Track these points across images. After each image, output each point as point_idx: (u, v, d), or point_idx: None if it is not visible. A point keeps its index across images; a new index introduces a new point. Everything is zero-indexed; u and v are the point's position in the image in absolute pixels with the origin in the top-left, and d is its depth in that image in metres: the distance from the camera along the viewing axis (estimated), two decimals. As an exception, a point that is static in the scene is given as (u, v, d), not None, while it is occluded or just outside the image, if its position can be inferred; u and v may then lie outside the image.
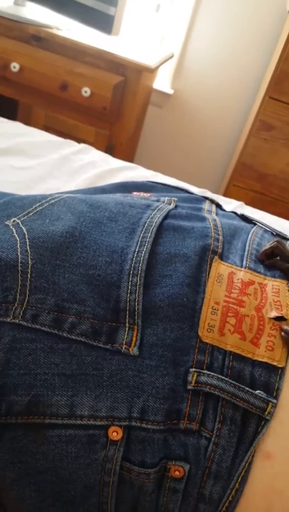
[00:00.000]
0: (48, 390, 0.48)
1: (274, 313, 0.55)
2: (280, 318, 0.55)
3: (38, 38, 1.73)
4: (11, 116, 1.77)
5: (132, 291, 0.53)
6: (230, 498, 0.48)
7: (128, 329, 0.52)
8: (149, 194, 0.73)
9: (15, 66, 1.74)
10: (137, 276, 0.54)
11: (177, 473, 0.48)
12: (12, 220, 0.59)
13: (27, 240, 0.55)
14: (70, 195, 0.66)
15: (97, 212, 0.61)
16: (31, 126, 1.44)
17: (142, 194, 0.68)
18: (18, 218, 0.59)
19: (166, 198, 0.70)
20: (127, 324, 0.52)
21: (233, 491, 0.48)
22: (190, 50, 2.09)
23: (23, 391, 0.48)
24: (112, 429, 0.48)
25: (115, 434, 0.48)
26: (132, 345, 0.51)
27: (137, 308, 0.53)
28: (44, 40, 1.73)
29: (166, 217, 0.64)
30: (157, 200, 0.69)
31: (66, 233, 0.56)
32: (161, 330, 0.52)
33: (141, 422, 0.48)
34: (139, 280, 0.54)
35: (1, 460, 0.49)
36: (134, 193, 0.69)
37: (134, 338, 0.51)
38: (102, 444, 0.48)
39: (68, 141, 1.36)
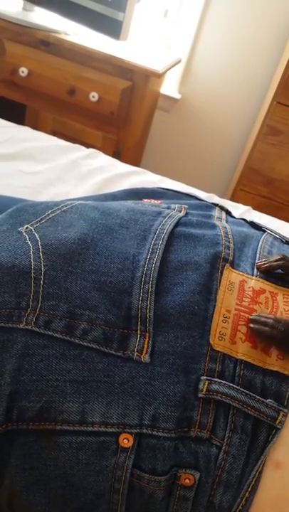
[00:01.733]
0: (60, 396, 0.49)
1: None
2: None
3: (46, 42, 1.74)
4: (19, 120, 1.78)
5: (144, 299, 0.54)
6: (240, 507, 0.48)
7: (140, 336, 0.52)
8: (159, 201, 0.73)
9: (23, 71, 1.75)
10: (149, 283, 0.54)
11: (187, 481, 0.48)
12: (25, 227, 0.59)
13: (40, 247, 0.56)
14: (82, 202, 0.66)
15: (109, 219, 0.61)
16: (39, 131, 1.44)
17: (152, 201, 0.68)
18: (31, 225, 0.60)
19: (177, 205, 0.70)
20: (138, 331, 0.52)
21: (243, 500, 0.48)
22: (197, 55, 2.09)
23: (34, 397, 0.48)
24: (122, 436, 0.48)
25: (126, 441, 0.48)
26: (144, 352, 0.51)
27: (149, 316, 0.53)
28: (52, 45, 1.74)
29: (177, 224, 0.64)
30: (168, 208, 0.69)
31: (78, 240, 0.57)
32: (172, 337, 0.52)
33: (152, 429, 0.48)
34: (151, 287, 0.54)
35: (12, 466, 0.49)
36: (145, 200, 0.70)
37: (145, 346, 0.51)
38: (112, 451, 0.48)
39: (76, 145, 1.37)
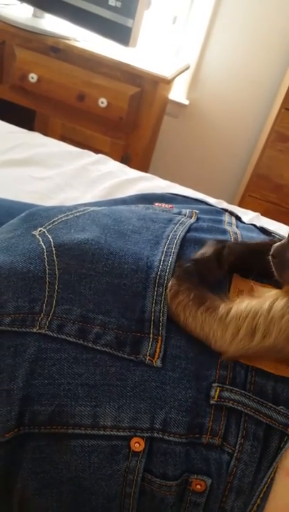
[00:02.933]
0: (72, 400, 0.49)
1: None
2: None
3: (56, 49, 1.76)
4: (29, 126, 1.80)
5: (158, 302, 0.54)
6: None
7: (152, 340, 0.52)
8: (170, 205, 0.73)
9: (33, 77, 1.76)
10: (163, 286, 0.54)
11: (199, 487, 0.48)
12: (38, 230, 0.59)
13: (53, 249, 0.56)
14: (95, 208, 0.67)
15: (121, 226, 0.61)
16: (48, 136, 1.45)
17: (163, 205, 0.68)
18: (44, 227, 0.60)
19: (188, 211, 0.70)
20: (151, 335, 0.52)
21: (255, 507, 0.48)
22: (206, 61, 2.10)
23: (46, 401, 0.49)
24: (134, 440, 0.48)
25: (137, 445, 0.48)
26: (156, 356, 0.51)
27: (162, 320, 0.53)
28: (62, 51, 1.76)
29: (188, 230, 0.64)
30: (179, 213, 0.69)
31: (92, 240, 0.57)
32: (184, 342, 0.52)
33: (163, 433, 0.48)
34: (165, 290, 0.54)
35: (24, 470, 0.49)
36: (156, 204, 0.70)
37: (157, 350, 0.51)
38: (124, 455, 0.48)
39: (86, 151, 1.38)
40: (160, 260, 0.56)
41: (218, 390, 0.50)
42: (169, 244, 0.59)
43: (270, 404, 0.50)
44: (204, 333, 0.52)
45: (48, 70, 1.76)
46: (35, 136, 1.39)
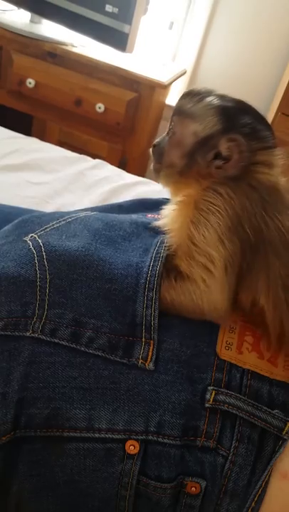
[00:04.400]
0: (67, 403, 0.49)
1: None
2: None
3: (53, 54, 1.77)
4: (26, 131, 1.80)
5: (148, 306, 0.54)
6: None
7: (144, 344, 0.52)
8: None
9: (30, 82, 1.77)
10: (153, 290, 0.55)
11: (194, 489, 0.48)
12: (30, 236, 0.60)
13: (44, 254, 0.56)
14: (87, 213, 0.67)
15: (112, 231, 0.62)
16: (46, 141, 1.46)
17: (156, 216, 0.69)
18: (36, 234, 0.60)
19: None
20: (143, 339, 0.53)
21: (249, 510, 0.48)
22: (202, 66, 2.11)
23: (42, 404, 0.49)
24: (129, 442, 0.49)
25: (132, 447, 0.48)
26: (148, 360, 0.52)
27: (153, 323, 0.53)
28: (59, 56, 1.76)
29: None
30: None
31: (82, 248, 0.57)
32: (177, 346, 0.53)
33: (158, 436, 0.49)
34: (155, 295, 0.55)
35: (20, 472, 0.49)
36: (149, 215, 0.70)
37: (150, 353, 0.52)
38: (119, 458, 0.48)
39: (83, 156, 1.38)
40: (149, 266, 0.57)
41: (213, 393, 0.51)
42: (158, 248, 0.59)
43: (265, 407, 0.51)
44: (188, 298, 0.54)
45: (46, 75, 1.77)
46: (33, 142, 1.40)
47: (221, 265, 0.52)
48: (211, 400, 0.50)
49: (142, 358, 0.52)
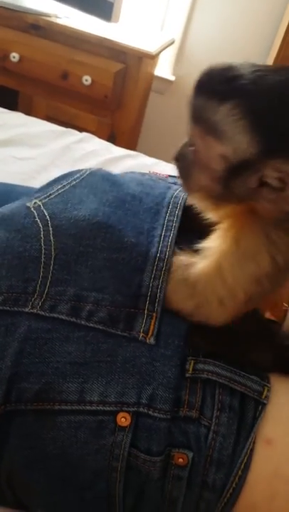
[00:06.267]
0: (60, 377, 0.49)
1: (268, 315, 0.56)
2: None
3: (37, 26, 1.72)
4: (12, 106, 1.76)
5: (156, 277, 0.53)
6: (233, 485, 0.48)
7: (146, 316, 0.52)
8: (166, 175, 0.72)
9: (14, 56, 1.72)
10: (164, 261, 0.53)
11: (181, 460, 0.48)
12: (33, 202, 0.58)
13: (50, 228, 0.54)
14: (92, 171, 0.65)
15: (120, 191, 0.60)
16: (33, 116, 1.43)
17: (158, 174, 0.67)
18: (40, 200, 0.58)
19: None
20: (146, 311, 0.52)
21: (236, 478, 0.48)
22: (191, 35, 2.06)
23: (34, 379, 0.49)
24: (120, 415, 0.48)
25: (123, 420, 0.48)
26: (150, 334, 0.51)
27: (159, 296, 0.52)
28: (43, 28, 1.72)
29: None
30: (174, 183, 0.68)
31: (89, 215, 0.55)
32: (178, 319, 0.52)
33: (148, 408, 0.48)
34: (165, 265, 0.53)
35: (11, 445, 0.49)
36: (151, 171, 0.68)
37: (151, 327, 0.51)
38: (110, 430, 0.48)
39: (69, 130, 1.36)
40: (161, 235, 0.55)
41: (192, 363, 0.51)
42: (170, 215, 0.57)
43: (243, 372, 0.51)
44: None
45: (30, 48, 1.72)
46: (17, 116, 1.37)
47: (240, 301, 0.50)
48: (191, 369, 0.51)
49: (143, 332, 0.51)
